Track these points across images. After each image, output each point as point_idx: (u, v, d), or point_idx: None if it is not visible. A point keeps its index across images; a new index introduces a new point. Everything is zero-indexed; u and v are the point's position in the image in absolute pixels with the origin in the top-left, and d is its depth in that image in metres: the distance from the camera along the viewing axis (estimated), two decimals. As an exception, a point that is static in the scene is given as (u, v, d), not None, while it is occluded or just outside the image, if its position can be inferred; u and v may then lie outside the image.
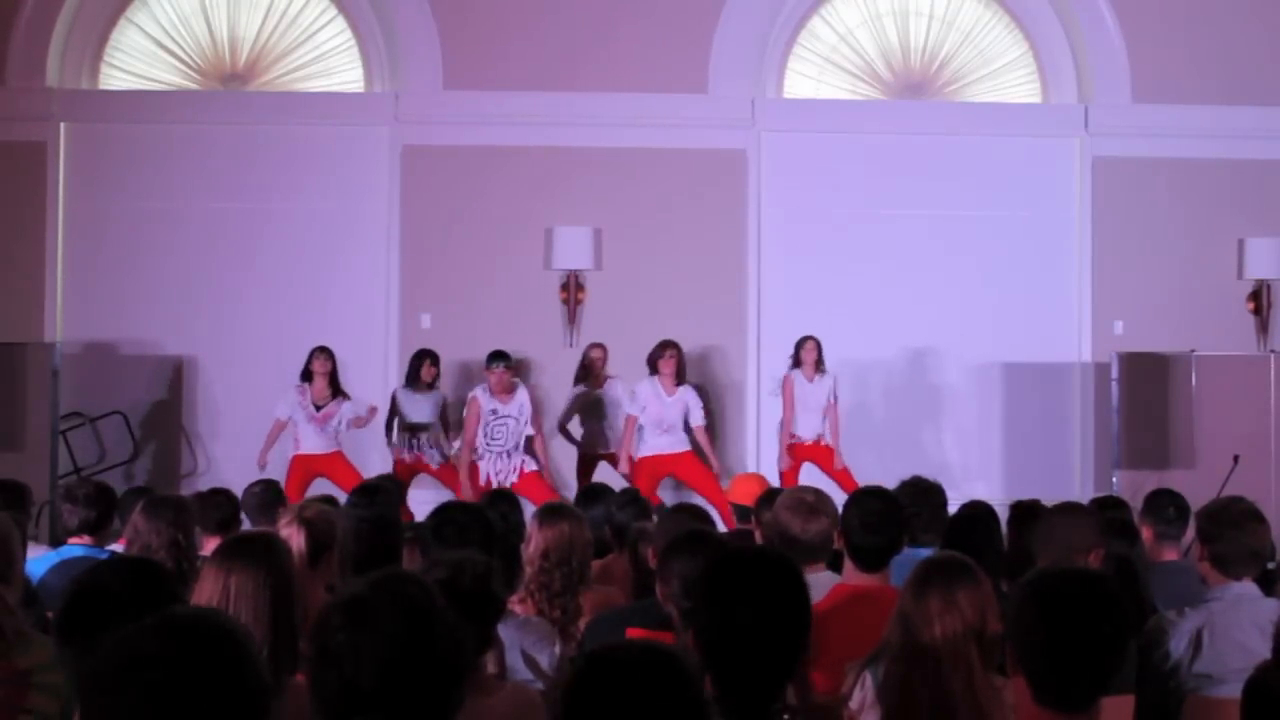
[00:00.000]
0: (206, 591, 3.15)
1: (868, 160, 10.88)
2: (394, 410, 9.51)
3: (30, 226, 10.55)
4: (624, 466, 9.17)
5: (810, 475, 9.35)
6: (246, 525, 5.73)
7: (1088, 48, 11.02)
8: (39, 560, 5.03)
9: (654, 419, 9.15)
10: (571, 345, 10.49)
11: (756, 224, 10.86)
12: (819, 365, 9.57)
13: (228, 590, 3.13)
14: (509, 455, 9.02)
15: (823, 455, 9.55)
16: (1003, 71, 11.34)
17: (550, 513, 4.50)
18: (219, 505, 5.65)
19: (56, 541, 6.33)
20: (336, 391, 9.33)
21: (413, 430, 9.36)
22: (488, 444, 8.99)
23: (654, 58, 10.71)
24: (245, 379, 10.55)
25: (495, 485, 8.70)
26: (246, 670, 1.87)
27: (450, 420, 9.60)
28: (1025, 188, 10.97)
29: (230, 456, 10.39)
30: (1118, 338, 10.74)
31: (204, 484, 8.98)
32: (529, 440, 9.13)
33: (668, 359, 9.17)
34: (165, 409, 10.60)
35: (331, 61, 11.09)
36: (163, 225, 10.62)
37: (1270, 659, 2.88)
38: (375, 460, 9.75)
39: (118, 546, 5.17)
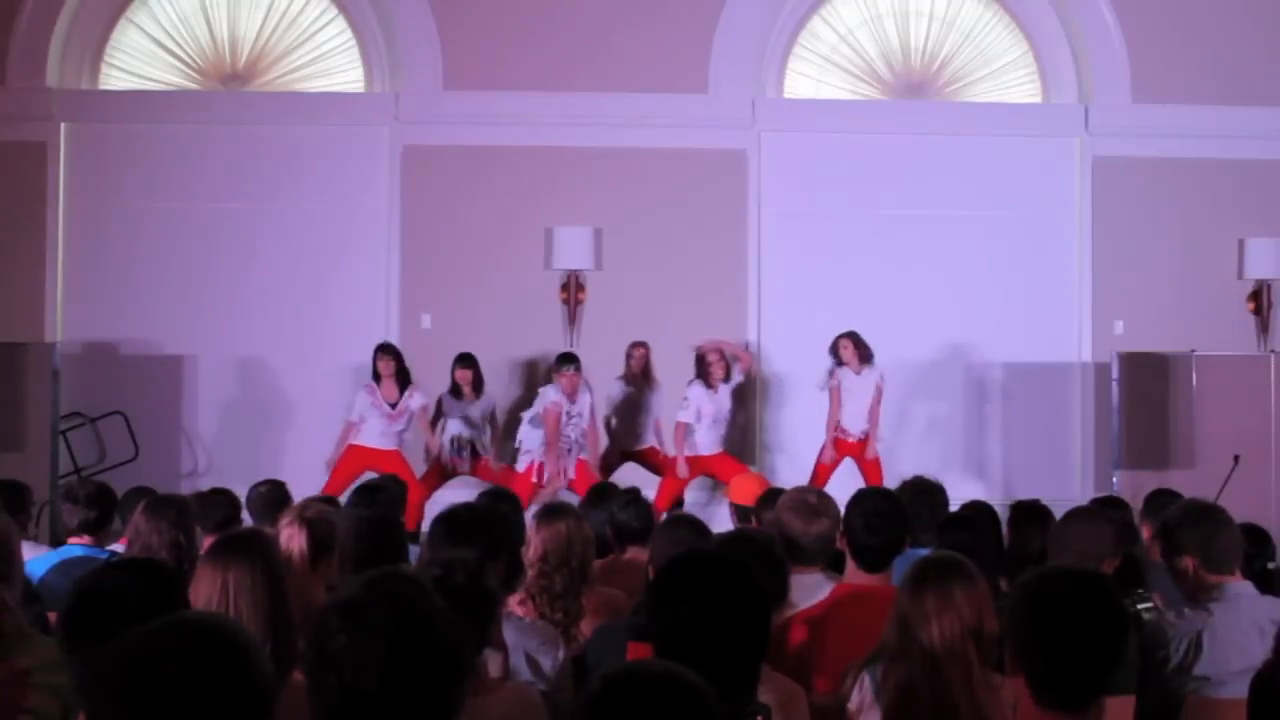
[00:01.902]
0: (204, 590, 3.16)
1: (868, 160, 10.88)
2: (439, 415, 9.62)
3: (30, 226, 10.55)
4: (683, 471, 9.40)
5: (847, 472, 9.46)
6: (250, 525, 5.72)
7: (1088, 48, 11.02)
8: (39, 560, 5.03)
9: (708, 414, 9.42)
10: (572, 345, 10.48)
11: (756, 224, 10.86)
12: (864, 358, 9.64)
13: (226, 587, 3.14)
14: (570, 452, 9.32)
15: (861, 449, 9.68)
16: (1003, 71, 11.34)
17: (549, 513, 4.48)
18: (219, 505, 5.65)
19: (57, 541, 6.33)
20: (404, 385, 9.44)
21: (455, 440, 9.53)
22: (561, 443, 9.29)
23: (654, 58, 10.71)
24: (245, 379, 10.56)
25: (554, 481, 9.16)
26: (252, 671, 1.89)
27: (498, 423, 9.80)
28: (1025, 188, 10.97)
29: (230, 456, 10.40)
30: (1118, 338, 10.73)
31: (204, 484, 8.98)
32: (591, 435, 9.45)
33: (713, 364, 9.45)
34: (165, 409, 10.60)
35: (331, 61, 11.09)
36: (163, 225, 10.62)
37: (1273, 657, 2.88)
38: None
39: (118, 546, 5.17)
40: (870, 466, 9.52)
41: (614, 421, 9.95)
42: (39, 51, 10.62)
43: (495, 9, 10.78)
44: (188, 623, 1.94)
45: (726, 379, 9.56)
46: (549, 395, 9.34)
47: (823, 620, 3.75)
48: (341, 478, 9.04)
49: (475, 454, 9.56)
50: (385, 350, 9.53)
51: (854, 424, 9.63)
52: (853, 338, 9.65)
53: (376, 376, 9.45)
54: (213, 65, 11.07)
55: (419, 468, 9.46)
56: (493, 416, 9.78)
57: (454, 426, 9.53)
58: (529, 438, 9.42)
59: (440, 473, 9.57)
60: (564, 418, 9.28)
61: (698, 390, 9.43)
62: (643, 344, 9.97)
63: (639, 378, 9.91)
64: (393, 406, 9.36)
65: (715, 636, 2.64)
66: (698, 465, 9.52)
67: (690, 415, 9.40)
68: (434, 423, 9.58)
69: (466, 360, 9.59)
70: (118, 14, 11.01)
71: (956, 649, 3.02)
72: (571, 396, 9.30)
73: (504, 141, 10.64)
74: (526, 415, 9.55)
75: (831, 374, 9.72)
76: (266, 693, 1.90)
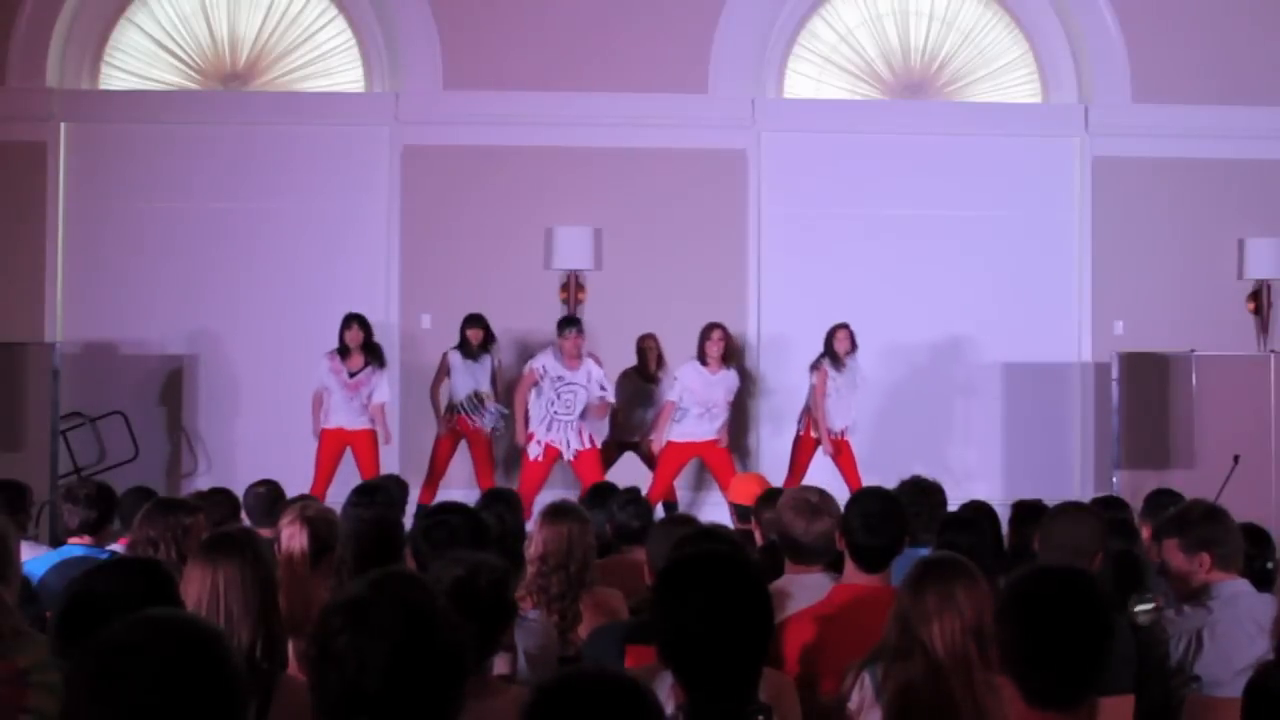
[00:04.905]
0: (194, 589, 3.17)
1: (868, 160, 10.87)
2: (441, 374, 9.60)
3: (30, 226, 10.55)
4: (657, 449, 9.35)
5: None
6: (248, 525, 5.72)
7: (1088, 48, 11.02)
8: (39, 560, 5.03)
9: (699, 400, 9.26)
10: (571, 345, 10.48)
11: (756, 224, 10.86)
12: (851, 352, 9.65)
13: (216, 586, 3.15)
14: (572, 425, 9.14)
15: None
16: (1003, 71, 11.34)
17: (553, 513, 4.47)
18: (219, 505, 5.66)
19: (56, 541, 6.33)
20: (370, 360, 9.30)
21: (474, 395, 9.49)
22: (555, 412, 9.12)
23: (654, 58, 10.71)
24: (245, 378, 10.57)
25: (559, 454, 9.10)
26: (224, 668, 1.89)
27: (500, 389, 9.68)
28: (1025, 188, 10.97)
29: (230, 456, 10.40)
30: (1118, 338, 10.74)
31: (204, 484, 8.98)
32: (602, 405, 9.27)
33: (714, 341, 9.29)
34: (165, 409, 10.60)
35: (331, 61, 11.09)
36: (163, 225, 10.62)
37: (1270, 659, 2.88)
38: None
39: (118, 546, 5.18)
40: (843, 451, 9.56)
41: (619, 415, 9.91)
42: (39, 51, 10.62)
43: (495, 9, 10.78)
44: (159, 620, 1.93)
45: (729, 363, 9.43)
46: (534, 360, 9.27)
47: (821, 620, 3.75)
48: (323, 469, 9.12)
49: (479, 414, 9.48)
50: (354, 320, 9.32)
51: (839, 419, 9.61)
52: (849, 330, 9.63)
53: (344, 348, 9.29)
54: (213, 65, 11.07)
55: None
56: (495, 375, 9.65)
57: (468, 383, 9.47)
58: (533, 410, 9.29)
59: (450, 447, 9.51)
60: (555, 383, 9.08)
61: (688, 369, 9.33)
62: (651, 336, 10.02)
63: (653, 371, 9.94)
64: (351, 376, 9.21)
65: (720, 638, 2.63)
66: (684, 450, 9.37)
67: (676, 394, 9.30)
68: (437, 380, 9.58)
69: (477, 320, 9.58)
70: (118, 14, 11.01)
71: (958, 649, 3.02)
72: (569, 363, 9.13)
73: (504, 141, 10.64)
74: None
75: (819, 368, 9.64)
76: (239, 689, 1.90)
